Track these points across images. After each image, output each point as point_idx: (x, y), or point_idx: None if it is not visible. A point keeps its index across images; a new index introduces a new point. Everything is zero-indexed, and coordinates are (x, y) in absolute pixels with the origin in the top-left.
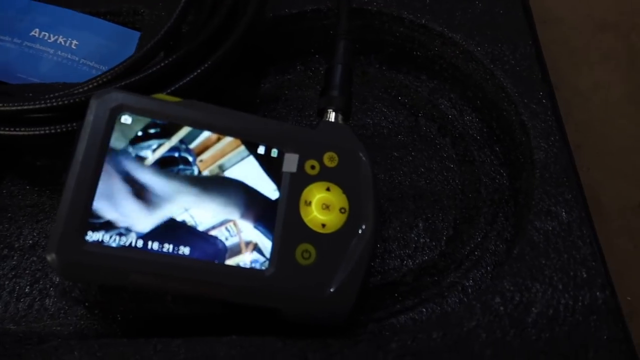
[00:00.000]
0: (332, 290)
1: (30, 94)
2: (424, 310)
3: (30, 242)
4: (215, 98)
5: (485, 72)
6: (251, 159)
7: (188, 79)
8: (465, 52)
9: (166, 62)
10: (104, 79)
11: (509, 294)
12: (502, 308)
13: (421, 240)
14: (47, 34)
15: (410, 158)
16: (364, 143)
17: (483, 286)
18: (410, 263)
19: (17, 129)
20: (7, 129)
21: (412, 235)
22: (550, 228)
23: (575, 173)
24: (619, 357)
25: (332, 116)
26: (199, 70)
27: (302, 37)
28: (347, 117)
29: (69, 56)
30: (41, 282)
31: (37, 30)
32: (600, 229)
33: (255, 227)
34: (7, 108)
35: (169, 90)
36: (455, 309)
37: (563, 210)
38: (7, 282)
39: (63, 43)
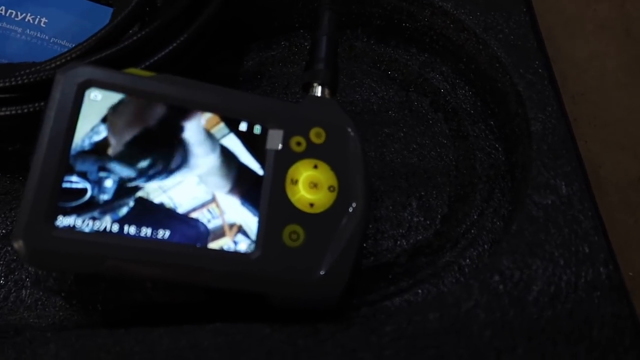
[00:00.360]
0: (322, 272)
1: None
2: (420, 291)
3: (4, 231)
4: (197, 76)
5: (478, 42)
6: (232, 136)
7: (163, 53)
8: (457, 21)
9: (139, 35)
10: (73, 55)
11: (508, 271)
12: (501, 286)
13: (415, 219)
14: (14, 11)
15: (402, 134)
16: (353, 120)
17: (480, 265)
18: (404, 243)
19: None
20: None
21: (406, 215)
22: (550, 202)
23: (574, 144)
24: (623, 333)
25: (318, 90)
26: (174, 44)
27: (285, 11)
28: (334, 91)
29: (38, 35)
30: (16, 273)
31: (3, 7)
32: (599, 203)
33: (239, 208)
34: None
35: (143, 66)
36: (451, 289)
37: (563, 183)
38: None
39: (31, 21)
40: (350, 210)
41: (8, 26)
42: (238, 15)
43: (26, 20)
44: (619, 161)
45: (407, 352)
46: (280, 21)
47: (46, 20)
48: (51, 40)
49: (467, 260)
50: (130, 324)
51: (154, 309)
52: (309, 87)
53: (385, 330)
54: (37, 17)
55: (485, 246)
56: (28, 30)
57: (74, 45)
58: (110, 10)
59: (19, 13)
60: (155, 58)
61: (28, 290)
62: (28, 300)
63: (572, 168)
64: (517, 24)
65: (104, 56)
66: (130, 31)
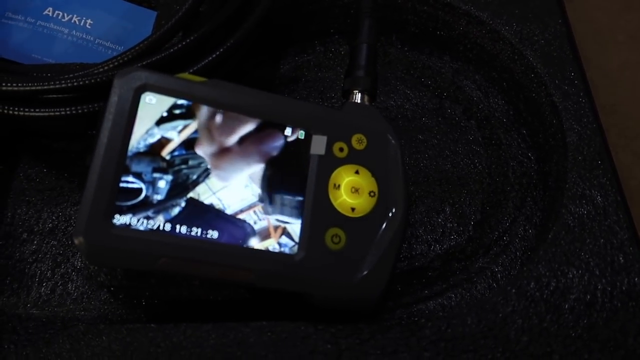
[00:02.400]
0: (362, 275)
1: (47, 75)
2: (453, 295)
3: (50, 225)
4: (236, 80)
5: (514, 52)
6: (278, 141)
7: (210, 58)
8: (492, 31)
9: (187, 40)
10: (125, 59)
11: (545, 279)
12: (537, 294)
13: (448, 225)
14: (61, 12)
15: (435, 141)
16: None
17: (515, 272)
18: (438, 248)
19: (34, 110)
20: (23, 110)
21: (439, 220)
22: (585, 212)
23: (608, 155)
24: None
25: (358, 97)
26: (221, 50)
27: (322, 16)
28: (373, 97)
29: (84, 36)
30: (63, 267)
31: (51, 9)
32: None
33: (284, 210)
34: (24, 88)
35: (190, 71)
36: (485, 295)
37: (598, 194)
38: (28, 267)
39: (77, 22)
40: (390, 215)
41: (55, 27)
42: (275, 20)
43: (72, 21)
44: None
45: (445, 354)
46: (316, 26)
47: (92, 22)
48: (96, 42)
49: (500, 267)
50: (175, 319)
51: (198, 306)
52: (349, 94)
53: (424, 333)
54: (83, 18)
55: (518, 253)
56: (74, 32)
57: (117, 47)
58: (153, 13)
59: (65, 14)
60: (201, 64)
61: (74, 284)
62: (74, 294)
63: (607, 179)
64: (552, 34)
65: (152, 61)
66: (175, 37)
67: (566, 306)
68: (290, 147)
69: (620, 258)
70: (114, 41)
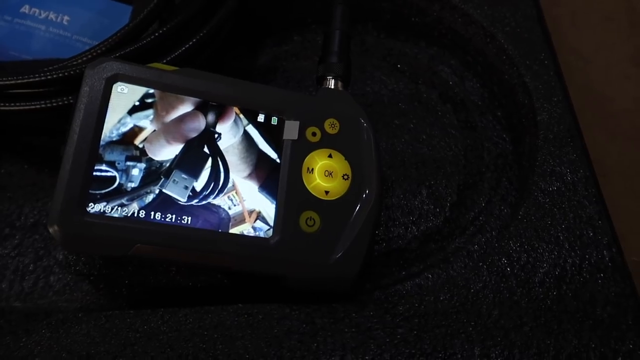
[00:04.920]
0: (337, 256)
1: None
2: (430, 275)
3: (32, 220)
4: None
5: (486, 35)
6: (251, 127)
7: (184, 48)
8: (464, 15)
9: (161, 31)
10: (99, 51)
11: (516, 254)
12: (508, 269)
13: (425, 207)
14: (37, 10)
15: (412, 125)
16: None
17: (489, 249)
18: (415, 230)
19: (11, 104)
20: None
21: (416, 203)
22: (555, 188)
23: (579, 133)
24: (626, 312)
25: (331, 83)
26: (194, 40)
27: (298, 7)
28: (347, 83)
29: (61, 32)
30: (44, 260)
31: (27, 6)
32: (604, 190)
33: (258, 195)
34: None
35: (165, 60)
36: (461, 272)
37: (568, 170)
38: (10, 261)
39: (54, 19)
40: (364, 197)
41: (32, 24)
42: (253, 11)
43: (49, 18)
44: (625, 151)
45: (419, 329)
46: (293, 16)
47: (68, 18)
48: (73, 37)
49: (476, 246)
50: (155, 306)
51: (177, 292)
52: (323, 80)
53: (398, 310)
54: (59, 15)
55: (493, 232)
56: (51, 28)
57: (95, 42)
58: (129, 8)
59: (42, 11)
60: (176, 54)
61: (56, 276)
62: (56, 285)
63: (577, 156)
64: (523, 17)
65: (127, 52)
66: (150, 28)
67: (536, 280)
68: (263, 133)
69: (590, 232)
70: (91, 36)
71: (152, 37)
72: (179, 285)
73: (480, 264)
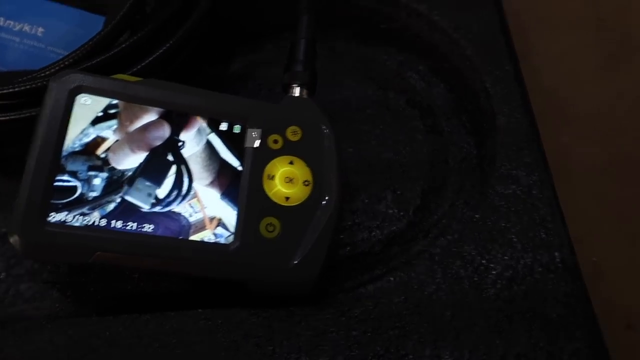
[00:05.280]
0: (296, 261)
1: None
2: (392, 278)
3: (3, 230)
4: (188, 77)
5: (451, 42)
6: (213, 136)
7: (152, 58)
8: (430, 22)
9: (129, 42)
10: (66, 62)
11: (470, 257)
12: (462, 271)
13: (389, 211)
14: (12, 22)
15: (379, 131)
16: (333, 118)
17: (446, 251)
18: (379, 234)
19: None
20: None
21: (381, 207)
22: (511, 191)
23: (536, 136)
24: (575, 311)
25: (296, 91)
26: (161, 50)
27: (271, 14)
28: (312, 91)
29: (36, 44)
30: (15, 269)
31: (2, 18)
32: (567, 192)
33: (219, 202)
34: None
35: (134, 70)
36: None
37: (524, 173)
38: None
39: (29, 31)
40: (324, 203)
41: (7, 36)
42: (228, 18)
43: (24, 30)
44: (587, 153)
45: (373, 332)
46: (266, 24)
47: (43, 30)
48: (48, 49)
49: (438, 249)
50: (120, 312)
51: (141, 298)
52: (288, 88)
53: (354, 313)
54: (34, 26)
55: (455, 235)
56: (26, 40)
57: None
58: (102, 18)
59: (16, 23)
60: (144, 63)
61: (26, 285)
62: (26, 294)
63: (533, 159)
64: (486, 23)
65: (95, 63)
66: (122, 38)
67: (489, 281)
68: (225, 142)
69: (542, 233)
70: (65, 48)
71: (122, 47)
72: (143, 291)
73: (436, 266)
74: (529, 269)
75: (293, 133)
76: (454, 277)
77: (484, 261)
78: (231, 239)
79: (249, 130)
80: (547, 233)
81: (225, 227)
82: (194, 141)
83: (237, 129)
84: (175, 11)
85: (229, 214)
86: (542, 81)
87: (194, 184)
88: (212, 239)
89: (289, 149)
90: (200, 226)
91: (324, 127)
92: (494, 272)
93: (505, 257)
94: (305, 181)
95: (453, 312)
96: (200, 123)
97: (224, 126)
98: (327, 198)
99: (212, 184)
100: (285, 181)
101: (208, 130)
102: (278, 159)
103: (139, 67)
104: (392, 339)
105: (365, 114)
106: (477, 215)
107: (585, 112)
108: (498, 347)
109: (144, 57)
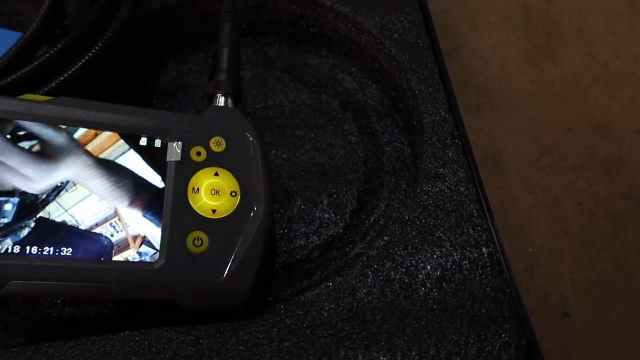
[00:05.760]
0: (226, 275)
1: None
2: (330, 284)
3: None
4: (114, 91)
5: (377, 43)
6: (132, 152)
7: (70, 72)
8: (356, 24)
9: (45, 57)
10: None
11: (399, 258)
12: (392, 272)
13: (326, 215)
14: None
15: (313, 135)
16: (266, 125)
17: (377, 254)
18: (316, 239)
19: None
20: None
21: (317, 212)
22: (438, 190)
23: (462, 133)
24: (502, 306)
25: (221, 100)
26: (80, 63)
27: (198, 23)
28: (238, 100)
29: None
30: None
31: None
32: (501, 185)
33: (143, 220)
34: None
35: (52, 85)
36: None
37: (450, 171)
38: None
39: None
40: (253, 213)
41: None
42: (154, 29)
43: None
44: (520, 145)
45: (305, 341)
46: (194, 34)
47: None
48: None
49: (375, 251)
50: (45, 340)
51: (67, 324)
52: (212, 98)
53: (285, 323)
54: None
55: (392, 235)
56: None
57: None
58: (19, 34)
59: None
60: (63, 78)
61: None
62: None
63: (459, 156)
64: (410, 23)
65: (10, 81)
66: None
67: (419, 282)
68: (146, 157)
69: (470, 230)
70: None
71: (37, 62)
72: (70, 316)
73: (366, 270)
74: (458, 267)
75: (216, 144)
76: (385, 279)
77: (414, 261)
78: (156, 256)
79: (170, 143)
80: (474, 229)
81: (150, 245)
82: (111, 158)
83: (158, 143)
84: (94, 23)
85: (154, 231)
86: (475, 76)
87: (114, 203)
88: (137, 258)
89: (213, 160)
90: (124, 245)
91: (248, 135)
92: (423, 272)
93: (435, 256)
94: (232, 192)
95: (385, 315)
96: (118, 140)
97: (143, 141)
98: (255, 208)
99: (133, 201)
100: (211, 193)
101: (126, 146)
102: (202, 171)
103: (57, 82)
104: (324, 347)
105: (298, 119)
106: (406, 216)
107: (517, 103)
108: (430, 347)
109: (62, 72)
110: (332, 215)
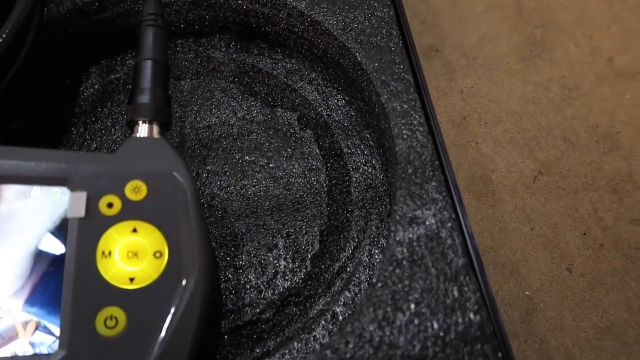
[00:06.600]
0: None
1: None
2: (287, 352)
3: None
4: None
5: (339, 46)
6: (20, 209)
7: None
8: (314, 23)
9: None
10: None
11: (367, 334)
12: (359, 354)
13: (281, 262)
14: None
15: (266, 161)
16: (209, 149)
17: (335, 330)
18: (270, 294)
19: None
20: None
21: (271, 258)
22: (415, 238)
23: (444, 164)
24: None
25: (143, 129)
26: None
27: (122, 26)
28: (166, 127)
29: None
30: None
31: None
32: (492, 212)
33: (35, 300)
34: None
35: None
36: (323, 343)
37: (430, 214)
38: None
39: None
40: (184, 279)
41: None
42: (71, 39)
43: None
44: (514, 162)
45: None
46: (120, 38)
47: None
48: None
49: (342, 307)
50: None
51: None
52: (132, 126)
53: None
54: None
55: (362, 286)
56: None
57: None
58: None
59: None
60: None
61: None
62: None
63: (440, 194)
64: (379, 20)
65: None
66: None
67: (397, 356)
68: (39, 214)
69: (454, 291)
70: None
71: None
72: None
73: (325, 351)
74: (441, 342)
75: (134, 190)
76: (362, 343)
77: (385, 337)
78: (56, 346)
79: (71, 194)
80: (459, 290)
81: (47, 331)
82: None
83: (56, 194)
84: None
85: (51, 313)
86: (458, 79)
87: None
88: (30, 351)
89: (129, 212)
90: (10, 335)
91: (177, 175)
92: (398, 352)
93: (411, 328)
94: (157, 252)
95: None
96: (2, 192)
97: (35, 192)
98: (188, 269)
99: (21, 277)
100: (128, 256)
101: (10, 202)
102: (115, 227)
103: None
104: None
105: (248, 140)
106: (376, 275)
107: (508, 110)
108: None
109: None
110: (290, 261)
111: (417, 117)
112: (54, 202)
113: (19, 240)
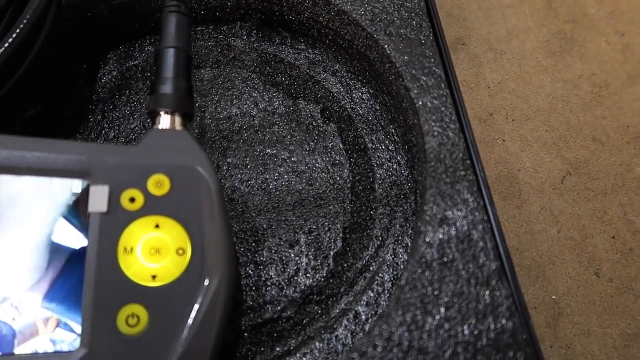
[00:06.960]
0: None
1: None
2: (308, 351)
3: None
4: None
5: (367, 37)
6: (41, 203)
7: None
8: (341, 12)
9: None
10: None
11: (396, 337)
12: (388, 358)
13: (303, 260)
14: None
15: (288, 154)
16: (229, 141)
17: (364, 330)
18: (291, 291)
19: None
20: None
21: (292, 255)
22: (446, 239)
23: (475, 164)
24: None
25: (165, 121)
26: None
27: (142, 11)
28: (189, 118)
29: None
30: None
31: None
32: (519, 213)
33: (54, 295)
34: None
35: None
36: (345, 345)
37: (461, 215)
38: None
39: None
40: (207, 277)
41: None
42: (89, 23)
43: None
44: (541, 161)
45: None
46: (137, 24)
47: None
48: None
49: (365, 307)
50: None
51: None
52: (154, 117)
53: None
54: None
55: (386, 285)
56: None
57: None
58: None
59: None
60: None
61: None
62: None
63: (472, 194)
64: (409, 11)
65: None
66: None
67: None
68: (59, 208)
69: (486, 296)
70: None
71: None
72: None
73: (352, 353)
74: (472, 348)
75: (157, 184)
76: (390, 347)
77: (414, 342)
78: (77, 344)
79: (92, 188)
80: (491, 295)
81: (68, 328)
82: (9, 214)
83: (76, 188)
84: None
85: (72, 310)
86: (485, 74)
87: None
88: (51, 348)
89: (152, 208)
90: (31, 332)
91: (201, 170)
92: (428, 358)
93: (440, 333)
94: (179, 249)
95: None
96: (19, 187)
97: (56, 186)
98: (211, 267)
99: (42, 272)
100: (151, 253)
101: (32, 196)
102: (137, 222)
103: None
104: None
105: (270, 133)
106: (404, 276)
107: (536, 108)
108: None
109: None
110: (312, 258)
111: (448, 113)
112: (74, 196)
113: (31, 229)
